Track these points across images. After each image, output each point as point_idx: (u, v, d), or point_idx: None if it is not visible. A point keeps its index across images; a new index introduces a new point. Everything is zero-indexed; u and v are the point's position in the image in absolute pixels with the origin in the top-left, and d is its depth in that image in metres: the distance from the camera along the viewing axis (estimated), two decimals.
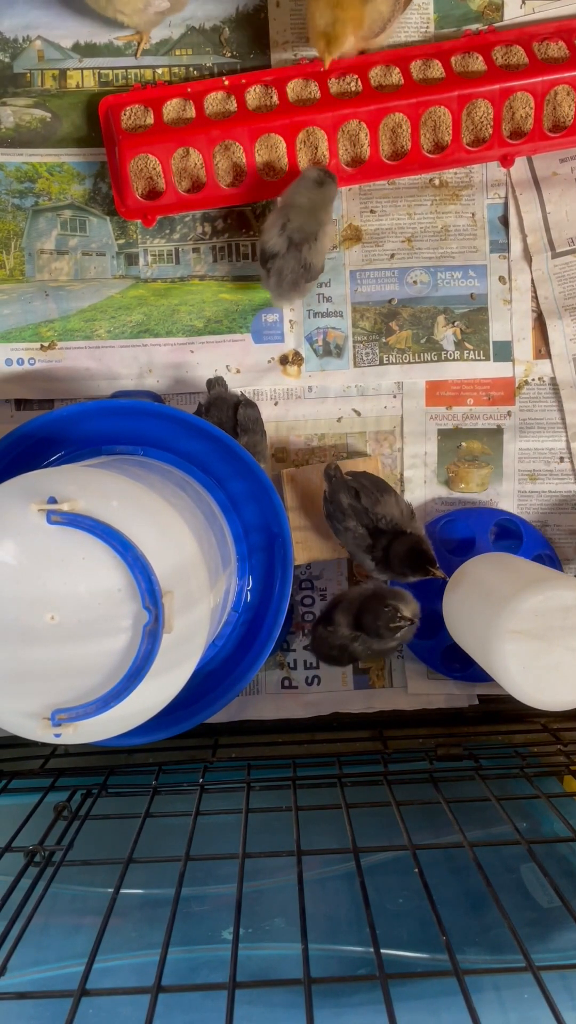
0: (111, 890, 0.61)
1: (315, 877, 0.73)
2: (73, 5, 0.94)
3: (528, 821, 0.82)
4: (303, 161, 0.93)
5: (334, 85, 0.92)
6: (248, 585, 0.82)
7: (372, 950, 0.53)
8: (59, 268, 0.98)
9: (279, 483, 0.96)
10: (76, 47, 0.95)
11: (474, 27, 0.95)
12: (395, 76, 0.92)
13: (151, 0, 0.88)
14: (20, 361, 0.97)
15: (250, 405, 0.90)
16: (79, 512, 0.54)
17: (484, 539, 0.94)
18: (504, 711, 0.98)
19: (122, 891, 0.61)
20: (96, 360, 0.97)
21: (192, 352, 0.98)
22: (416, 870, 0.62)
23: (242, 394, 0.92)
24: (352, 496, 0.87)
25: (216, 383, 0.91)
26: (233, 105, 0.92)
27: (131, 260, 0.98)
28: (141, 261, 0.98)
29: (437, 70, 0.92)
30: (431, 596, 0.93)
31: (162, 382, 0.98)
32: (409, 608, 0.84)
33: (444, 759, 0.90)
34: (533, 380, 0.98)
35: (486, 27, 0.94)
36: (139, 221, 0.96)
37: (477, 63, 0.92)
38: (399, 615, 0.83)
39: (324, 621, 0.90)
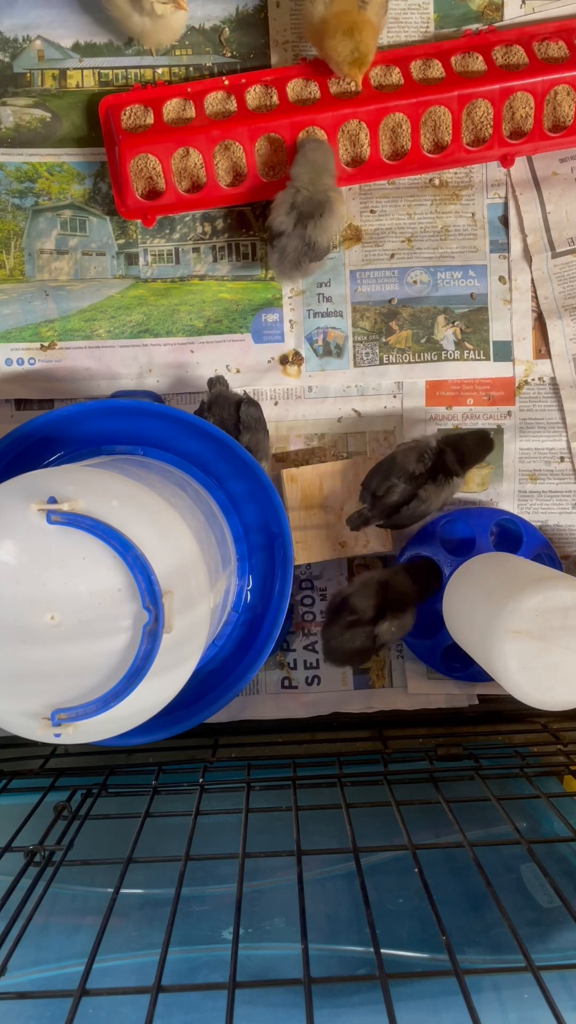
0: (111, 890, 0.61)
1: (315, 877, 0.73)
2: (73, 5, 0.94)
3: (528, 821, 0.82)
4: None
5: (334, 85, 0.92)
6: (248, 585, 0.82)
7: (372, 950, 0.53)
8: (59, 268, 0.98)
9: (279, 483, 0.96)
10: (76, 47, 0.95)
11: (474, 27, 0.95)
12: (395, 76, 0.92)
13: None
14: (20, 361, 0.97)
15: (252, 403, 0.90)
16: (79, 512, 0.54)
17: (484, 539, 0.94)
18: (504, 711, 0.98)
19: (122, 891, 0.61)
20: (96, 360, 0.97)
21: (192, 352, 0.98)
22: (416, 870, 0.62)
23: (244, 392, 0.92)
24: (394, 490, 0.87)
25: (217, 382, 0.91)
26: (233, 105, 0.92)
27: (131, 260, 0.98)
28: (141, 261, 0.98)
29: (437, 70, 0.92)
30: (431, 596, 0.93)
31: (162, 382, 0.98)
32: None
33: (444, 759, 0.90)
34: (533, 380, 0.98)
35: (486, 27, 0.94)
36: (139, 221, 0.96)
37: (477, 63, 0.92)
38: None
39: (338, 613, 0.87)
